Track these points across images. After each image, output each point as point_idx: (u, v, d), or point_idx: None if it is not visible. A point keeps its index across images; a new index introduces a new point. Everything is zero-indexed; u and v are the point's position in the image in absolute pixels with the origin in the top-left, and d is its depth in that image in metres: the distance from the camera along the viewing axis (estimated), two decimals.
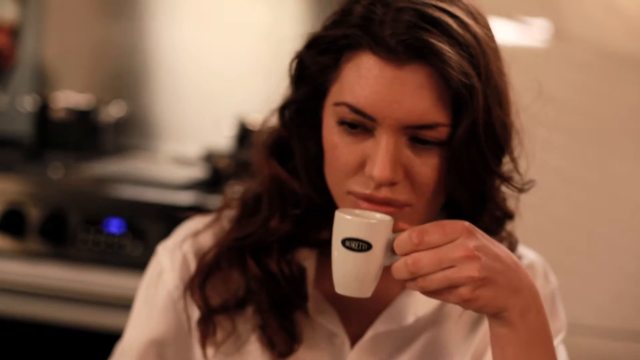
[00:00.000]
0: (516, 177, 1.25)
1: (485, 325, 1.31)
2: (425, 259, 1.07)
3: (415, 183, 1.16)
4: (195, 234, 1.36)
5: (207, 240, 1.36)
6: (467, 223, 1.10)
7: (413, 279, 1.08)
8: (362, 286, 1.13)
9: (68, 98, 3.37)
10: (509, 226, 1.35)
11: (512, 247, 1.34)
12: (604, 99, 2.58)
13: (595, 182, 2.58)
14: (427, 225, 1.09)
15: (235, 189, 1.39)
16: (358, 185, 1.17)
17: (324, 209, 1.25)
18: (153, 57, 3.49)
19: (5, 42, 3.51)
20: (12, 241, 2.77)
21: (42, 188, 2.82)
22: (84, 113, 3.31)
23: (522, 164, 1.26)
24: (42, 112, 3.33)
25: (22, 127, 3.47)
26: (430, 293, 1.10)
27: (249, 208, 1.33)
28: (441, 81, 1.11)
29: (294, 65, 1.24)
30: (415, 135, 1.14)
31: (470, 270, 1.06)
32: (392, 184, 1.14)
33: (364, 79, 1.13)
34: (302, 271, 1.30)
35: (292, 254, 1.30)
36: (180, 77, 3.48)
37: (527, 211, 2.51)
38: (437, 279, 1.07)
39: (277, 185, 1.28)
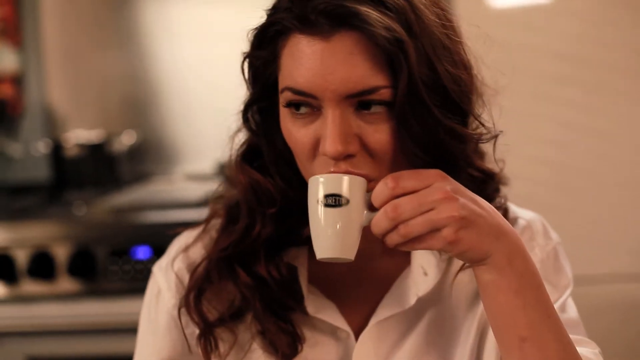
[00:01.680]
0: (484, 131, 1.23)
1: None
2: (404, 203, 1.06)
3: (373, 152, 1.14)
4: (186, 249, 1.36)
5: (197, 253, 1.36)
6: (440, 170, 1.10)
7: (395, 228, 1.07)
8: (344, 245, 1.11)
9: (79, 136, 3.39)
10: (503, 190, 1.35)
11: (503, 209, 1.33)
12: (612, 47, 2.56)
13: (611, 131, 2.56)
14: (402, 172, 1.09)
15: (220, 198, 1.38)
16: (320, 167, 1.17)
17: (301, 204, 1.24)
18: (157, 80, 3.50)
19: (10, 92, 3.54)
20: (43, 284, 2.79)
21: (65, 227, 2.84)
22: (97, 147, 3.33)
23: (498, 120, 1.25)
24: (56, 154, 3.36)
25: (39, 171, 3.50)
26: (413, 242, 1.08)
27: (232, 216, 1.32)
28: (370, 44, 1.11)
29: (244, 66, 1.25)
30: (360, 105, 1.14)
31: (450, 210, 1.06)
32: (348, 156, 1.14)
33: (297, 60, 1.14)
34: (293, 271, 1.30)
35: (280, 256, 1.30)
36: (186, 96, 3.49)
37: (551, 167, 2.50)
38: (419, 223, 1.06)
39: (253, 189, 1.28)
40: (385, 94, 1.12)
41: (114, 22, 3.49)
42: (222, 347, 1.30)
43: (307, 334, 1.29)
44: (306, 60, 1.13)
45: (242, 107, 1.27)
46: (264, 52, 1.20)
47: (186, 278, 1.33)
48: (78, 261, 2.76)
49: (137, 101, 3.52)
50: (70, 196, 3.21)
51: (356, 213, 1.11)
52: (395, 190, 1.08)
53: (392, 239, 1.09)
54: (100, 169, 3.33)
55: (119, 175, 3.34)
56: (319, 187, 1.11)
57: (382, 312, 1.29)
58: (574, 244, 2.55)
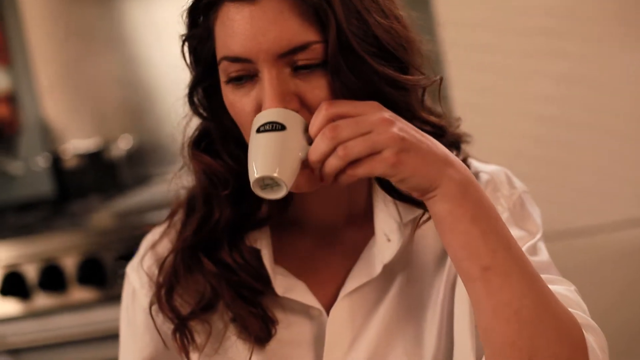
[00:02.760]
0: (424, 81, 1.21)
1: None
2: (342, 124, 1.05)
3: (314, 110, 1.14)
4: (153, 246, 1.36)
5: (164, 248, 1.35)
6: (377, 102, 1.10)
7: (333, 152, 1.06)
8: (281, 165, 1.08)
9: (77, 146, 3.41)
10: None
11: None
12: None
13: (607, 82, 2.55)
14: (338, 100, 1.10)
15: (182, 191, 1.37)
16: None
17: None
18: (149, 83, 3.51)
19: (4, 111, 3.55)
20: (55, 296, 2.80)
21: (72, 238, 2.85)
22: (95, 155, 3.34)
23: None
24: (56, 166, 3.38)
25: (41, 186, 3.52)
26: (354, 167, 1.06)
27: (192, 206, 1.32)
28: (298, 1, 1.12)
29: (184, 50, 1.25)
30: (295, 64, 1.14)
31: (389, 131, 1.04)
32: None
33: (229, 28, 1.15)
34: (257, 254, 1.29)
35: (243, 240, 1.29)
36: (180, 96, 3.48)
37: (548, 120, 2.50)
38: (358, 144, 1.04)
39: (205, 174, 1.28)
40: (317, 49, 1.13)
41: (102, 29, 3.49)
42: (199, 339, 1.29)
43: (280, 315, 1.28)
44: (237, 26, 1.14)
45: (186, 91, 1.27)
46: (199, 29, 1.21)
47: (156, 275, 1.32)
48: (87, 270, 2.77)
49: (132, 105, 3.53)
50: (74, 206, 3.22)
51: (293, 139, 1.09)
52: (330, 112, 1.07)
53: (331, 164, 1.07)
54: (101, 176, 3.34)
55: (120, 181, 3.35)
56: (257, 119, 1.11)
57: (351, 284, 1.28)
58: (578, 196, 2.56)
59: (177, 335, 1.28)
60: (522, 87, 2.59)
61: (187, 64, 1.26)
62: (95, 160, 3.34)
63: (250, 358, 1.26)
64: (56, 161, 3.39)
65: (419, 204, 1.21)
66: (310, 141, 1.10)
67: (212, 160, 1.27)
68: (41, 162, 3.47)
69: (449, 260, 1.28)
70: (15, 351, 2.88)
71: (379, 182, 1.24)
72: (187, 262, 1.29)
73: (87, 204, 3.18)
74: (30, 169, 3.54)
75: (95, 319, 2.75)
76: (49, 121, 3.58)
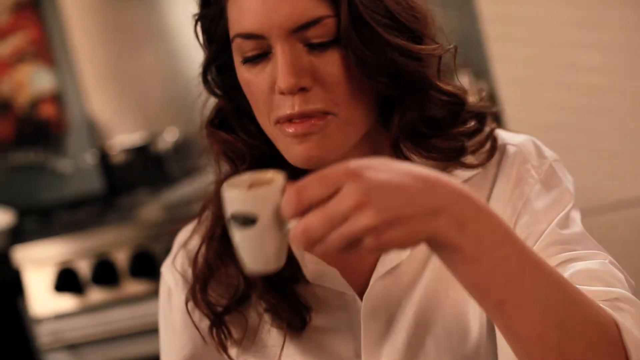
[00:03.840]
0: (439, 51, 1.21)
1: None
2: (314, 221, 0.94)
3: (327, 86, 1.15)
4: (185, 244, 1.36)
5: (196, 246, 1.33)
6: (351, 163, 0.95)
7: (312, 246, 0.96)
8: (267, 261, 1.01)
9: (124, 141, 3.43)
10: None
11: (492, 138, 1.27)
12: None
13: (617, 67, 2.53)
14: (306, 179, 0.95)
15: (210, 188, 1.36)
16: (278, 110, 1.17)
17: (274, 158, 1.24)
18: (191, 73, 3.51)
19: (51, 111, 3.59)
20: (109, 290, 2.83)
21: (122, 232, 2.88)
22: (142, 149, 3.36)
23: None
24: (104, 162, 3.41)
25: (90, 183, 3.55)
26: (341, 253, 0.98)
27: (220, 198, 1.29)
28: None
29: (197, 30, 1.26)
30: (308, 41, 1.15)
31: (364, 219, 0.92)
32: (302, 90, 1.15)
33: (242, 4, 1.16)
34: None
35: None
36: None
37: (590, 90, 2.48)
38: (334, 240, 0.93)
39: (224, 152, 1.27)
40: (329, 23, 1.14)
41: (143, 23, 3.51)
42: (235, 333, 1.28)
43: (314, 302, 1.26)
44: (249, 3, 1.15)
45: (200, 70, 1.27)
46: (211, 9, 1.22)
47: (189, 273, 1.32)
48: (139, 263, 2.80)
49: (176, 98, 3.54)
50: (124, 201, 3.25)
51: (269, 228, 0.99)
52: (302, 205, 0.95)
53: (314, 253, 1.01)
54: (148, 170, 3.36)
55: (168, 173, 3.36)
56: (227, 202, 1.00)
57: (382, 267, 1.25)
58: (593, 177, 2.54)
59: (214, 331, 1.28)
60: (564, 59, 2.57)
61: (200, 44, 1.27)
62: (142, 154, 3.36)
63: (283, 346, 1.26)
64: (104, 157, 3.42)
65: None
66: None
67: (228, 136, 1.27)
68: (89, 159, 3.51)
69: None
70: (72, 346, 2.91)
71: (396, 155, 1.23)
72: (218, 253, 1.28)
73: (136, 198, 3.20)
74: (78, 167, 3.57)
75: (149, 311, 2.77)
76: (95, 118, 3.61)
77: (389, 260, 1.25)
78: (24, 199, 3.57)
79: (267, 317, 1.27)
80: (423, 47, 1.18)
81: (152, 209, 2.97)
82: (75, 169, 3.58)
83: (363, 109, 1.20)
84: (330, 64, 1.15)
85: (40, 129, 3.62)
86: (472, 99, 1.29)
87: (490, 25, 2.65)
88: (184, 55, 3.50)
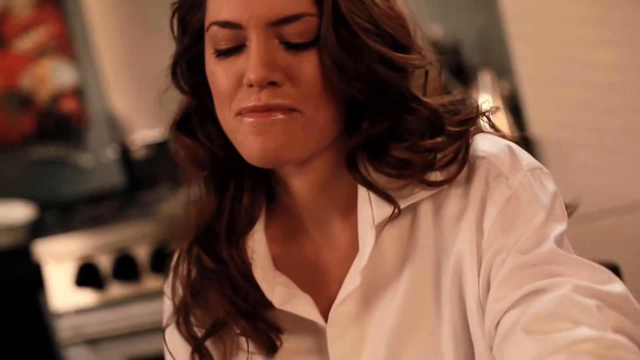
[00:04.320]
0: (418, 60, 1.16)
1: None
2: None
3: (299, 85, 1.11)
4: (175, 267, 1.29)
5: (182, 270, 1.29)
6: None
7: None
8: None
9: (145, 136, 3.44)
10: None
11: (456, 150, 1.16)
12: None
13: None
14: None
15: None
16: (241, 101, 1.13)
17: (235, 168, 1.21)
18: None
19: (72, 105, 3.60)
20: (129, 285, 2.84)
21: (143, 227, 2.88)
22: (163, 144, 3.36)
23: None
24: (125, 157, 3.42)
25: (111, 178, 3.56)
26: None
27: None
28: None
29: (172, 20, 1.22)
30: (286, 39, 1.12)
31: None
32: (272, 84, 1.11)
33: None
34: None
35: (242, 239, 1.24)
36: None
37: (613, 88, 2.47)
38: None
39: (190, 158, 1.23)
40: (310, 22, 1.11)
41: (164, 18, 3.49)
42: (216, 357, 1.25)
43: (286, 324, 1.22)
44: None
45: (170, 62, 1.23)
46: None
47: (176, 297, 1.28)
48: (160, 259, 2.80)
49: None
50: (145, 196, 3.25)
51: None
52: None
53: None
54: (169, 165, 3.35)
55: None
56: None
57: (341, 294, 1.19)
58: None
59: (196, 357, 1.25)
60: (587, 57, 2.56)
61: (173, 35, 1.22)
62: (164, 149, 3.37)
63: None
64: (125, 152, 3.43)
65: (390, 199, 1.15)
66: None
67: (190, 141, 1.22)
68: (110, 153, 3.52)
69: (452, 259, 1.15)
70: (92, 341, 2.92)
71: (349, 165, 1.17)
72: (197, 278, 1.25)
73: (157, 194, 3.21)
74: (99, 161, 3.58)
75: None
76: (116, 113, 3.62)
77: (348, 286, 1.19)
78: (44, 193, 3.57)
79: (241, 342, 1.24)
80: (401, 55, 1.14)
81: (173, 204, 2.97)
82: (96, 163, 3.59)
83: (331, 113, 1.15)
84: (306, 62, 1.11)
85: (61, 124, 3.63)
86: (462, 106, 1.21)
87: (514, 24, 2.65)
88: None
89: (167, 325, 1.27)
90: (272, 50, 1.11)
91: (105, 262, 2.88)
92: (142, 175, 3.41)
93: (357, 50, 1.11)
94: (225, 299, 1.22)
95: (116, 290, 2.88)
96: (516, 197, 1.12)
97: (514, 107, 2.85)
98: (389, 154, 1.15)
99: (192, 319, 1.25)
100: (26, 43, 3.62)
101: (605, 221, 2.58)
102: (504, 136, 1.22)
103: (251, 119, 1.12)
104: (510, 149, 1.17)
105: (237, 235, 1.23)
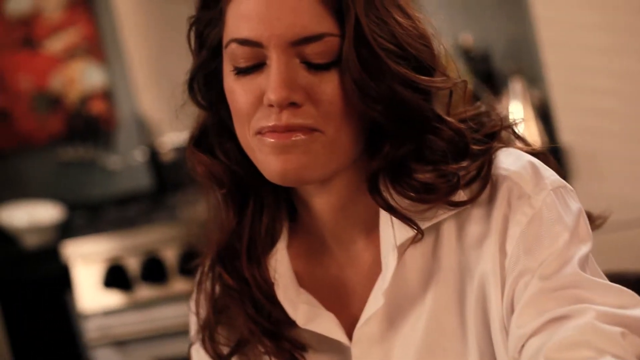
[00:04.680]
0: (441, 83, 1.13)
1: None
2: None
3: (320, 104, 1.09)
4: (199, 283, 1.28)
5: (208, 286, 1.28)
6: None
7: None
8: None
9: (173, 139, 3.44)
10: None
11: (478, 169, 1.14)
12: None
13: None
14: None
15: None
16: (261, 120, 1.11)
17: (254, 186, 1.20)
18: None
19: (102, 107, 3.61)
20: (157, 288, 2.84)
21: (172, 230, 2.89)
22: None
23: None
24: (154, 160, 3.43)
25: (139, 180, 3.57)
26: None
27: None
28: None
29: (190, 34, 1.20)
30: (307, 59, 1.09)
31: None
32: (292, 104, 1.08)
33: (244, 9, 1.10)
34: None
35: (266, 257, 1.23)
36: None
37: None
38: None
39: (207, 177, 1.22)
40: (332, 42, 1.08)
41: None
42: None
43: (311, 341, 1.21)
44: (252, 8, 1.09)
45: (187, 77, 1.20)
46: (210, 11, 1.16)
47: (201, 314, 1.27)
48: (188, 261, 2.80)
49: None
50: (173, 199, 3.26)
51: None
52: None
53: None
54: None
55: None
56: None
57: (365, 314, 1.18)
58: None
59: None
60: (619, 65, 2.55)
61: (190, 49, 1.20)
62: None
63: None
64: (153, 155, 3.44)
65: (411, 222, 1.12)
66: None
67: (207, 158, 1.20)
68: (138, 156, 3.53)
69: (476, 280, 1.14)
70: (119, 343, 2.93)
71: (371, 188, 1.15)
72: (221, 295, 1.24)
73: (185, 196, 3.21)
74: (128, 164, 3.59)
75: None
76: (144, 115, 3.63)
77: (371, 307, 1.18)
78: (73, 194, 3.59)
79: (266, 359, 1.23)
80: (427, 78, 1.11)
81: (201, 207, 2.97)
82: (125, 165, 3.60)
83: (352, 134, 1.12)
84: (327, 83, 1.09)
85: (90, 125, 3.65)
86: (486, 118, 1.19)
87: (545, 31, 2.64)
88: None
89: (193, 343, 1.27)
90: (293, 70, 1.09)
91: (133, 264, 2.89)
92: (170, 177, 3.41)
93: (379, 72, 1.08)
94: (248, 318, 1.21)
95: (144, 292, 2.89)
96: (539, 217, 1.10)
97: (545, 115, 2.85)
98: (412, 177, 1.12)
99: (217, 337, 1.24)
100: (56, 44, 3.64)
101: (636, 230, 2.57)
102: (529, 147, 1.20)
103: (272, 140, 1.10)
104: (533, 166, 1.14)
105: (259, 254, 1.22)
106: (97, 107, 3.64)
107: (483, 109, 1.20)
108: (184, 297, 2.82)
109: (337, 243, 1.21)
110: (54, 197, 3.49)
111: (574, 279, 1.06)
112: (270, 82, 1.08)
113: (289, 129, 1.09)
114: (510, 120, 1.20)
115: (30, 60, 3.64)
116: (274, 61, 1.09)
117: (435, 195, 1.11)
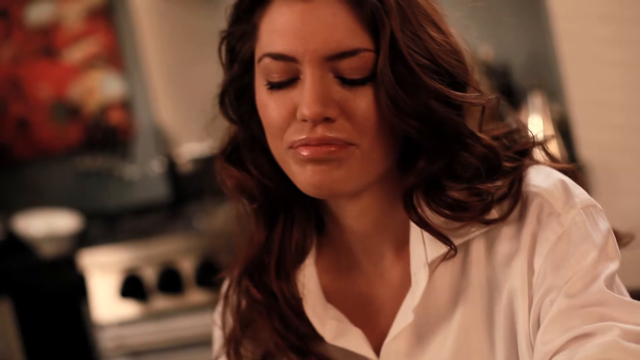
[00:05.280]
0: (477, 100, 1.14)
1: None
2: None
3: (354, 119, 1.09)
4: (226, 297, 1.29)
5: (234, 299, 1.28)
6: None
7: None
8: None
9: (191, 149, 3.44)
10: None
11: (509, 187, 1.15)
12: None
13: None
14: None
15: None
16: (294, 134, 1.11)
17: (286, 197, 1.20)
18: None
19: (120, 117, 3.62)
20: (173, 298, 2.84)
21: (189, 241, 2.89)
22: (210, 159, 3.36)
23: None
24: (171, 171, 3.43)
25: (157, 190, 3.57)
26: None
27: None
28: (354, 6, 1.08)
29: (221, 48, 1.20)
30: (341, 74, 1.09)
31: None
32: (326, 119, 1.08)
33: (278, 24, 1.10)
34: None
35: (294, 272, 1.23)
36: None
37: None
38: None
39: (238, 191, 1.22)
40: (366, 57, 1.08)
41: (213, 33, 3.51)
42: None
43: (337, 357, 1.22)
44: (287, 23, 1.09)
45: (218, 91, 1.21)
46: (242, 25, 1.16)
47: (227, 327, 1.27)
48: (204, 272, 2.80)
49: None
50: (190, 210, 3.26)
51: None
52: None
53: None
54: (215, 179, 3.36)
55: None
56: None
57: (393, 330, 1.18)
58: None
59: None
60: (637, 80, 2.54)
61: (221, 63, 1.20)
62: (210, 163, 3.35)
63: None
64: (171, 165, 3.44)
65: (445, 239, 1.13)
66: None
67: (238, 172, 1.21)
68: (156, 166, 3.53)
69: (504, 297, 1.14)
70: (134, 353, 2.93)
71: (405, 204, 1.15)
72: (248, 308, 1.24)
73: (202, 207, 3.21)
74: (145, 174, 3.60)
75: (209, 321, 2.77)
76: (163, 126, 3.63)
77: (400, 323, 1.18)
78: (90, 204, 3.60)
79: None
80: (461, 94, 1.11)
81: (218, 219, 2.97)
82: (142, 176, 3.61)
83: (386, 148, 1.12)
84: (361, 98, 1.09)
85: (108, 135, 3.65)
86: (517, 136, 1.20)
87: (565, 46, 2.63)
88: None
89: (218, 357, 1.27)
90: (327, 85, 1.09)
91: (149, 275, 2.89)
92: (188, 188, 3.41)
93: (414, 87, 1.08)
94: (274, 333, 1.21)
95: (160, 302, 2.88)
96: (568, 235, 1.10)
97: (564, 130, 2.83)
98: (446, 194, 1.13)
99: (242, 351, 1.24)
100: (76, 54, 3.64)
101: None
102: (559, 164, 1.20)
103: (305, 153, 1.10)
104: (563, 184, 1.14)
105: (287, 268, 1.22)
106: (116, 117, 3.64)
107: (514, 126, 1.20)
108: (200, 308, 2.82)
109: (366, 258, 1.22)
110: (72, 207, 3.49)
111: (600, 296, 1.06)
112: (304, 98, 1.08)
113: (323, 142, 1.09)
114: (542, 138, 1.20)
115: (50, 69, 3.66)
116: (308, 76, 1.09)
117: (469, 213, 1.12)
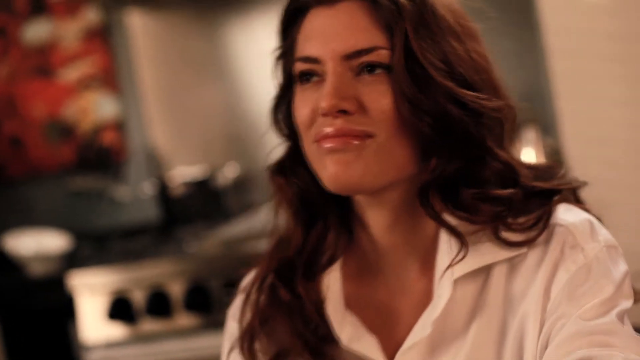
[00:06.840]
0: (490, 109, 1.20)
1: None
2: None
3: (371, 113, 1.17)
4: (244, 290, 1.33)
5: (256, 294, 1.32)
6: None
7: None
8: None
9: (184, 173, 3.45)
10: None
11: (546, 215, 1.20)
12: None
13: None
14: None
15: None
16: (317, 128, 1.20)
17: (324, 208, 1.27)
18: (254, 110, 3.52)
19: (114, 138, 3.62)
20: (161, 322, 2.83)
21: (179, 264, 2.88)
22: (202, 183, 3.38)
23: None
24: (163, 193, 3.43)
25: (148, 212, 3.57)
26: None
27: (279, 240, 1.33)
28: (373, 10, 1.18)
29: (275, 65, 1.29)
30: (359, 71, 1.18)
31: None
32: (344, 112, 1.17)
33: (308, 31, 1.22)
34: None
35: (321, 276, 1.28)
36: None
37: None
38: None
39: (278, 195, 1.30)
40: (383, 54, 1.18)
41: (208, 58, 3.53)
42: None
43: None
44: (315, 30, 1.21)
45: (271, 104, 1.30)
46: (286, 42, 1.27)
47: (243, 321, 1.31)
48: (193, 296, 2.80)
49: (238, 133, 3.55)
50: (181, 233, 3.26)
51: None
52: None
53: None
54: (207, 203, 3.37)
55: (226, 208, 3.37)
56: None
57: (409, 341, 1.22)
58: None
59: None
60: (634, 117, 2.55)
61: (278, 83, 1.29)
62: (201, 187, 3.37)
63: None
64: (162, 188, 3.44)
65: (460, 237, 1.18)
66: None
67: (282, 181, 1.28)
68: (148, 188, 3.52)
69: (518, 319, 1.17)
70: None
71: (422, 201, 1.20)
72: (267, 304, 1.28)
73: (193, 231, 3.21)
74: (136, 196, 3.59)
75: (200, 344, 2.77)
76: (156, 148, 3.63)
77: (417, 334, 1.21)
78: (80, 224, 3.59)
79: None
80: (472, 93, 1.18)
81: (209, 243, 2.97)
82: (133, 197, 3.60)
83: (403, 144, 1.19)
84: (378, 92, 1.18)
85: (101, 156, 3.65)
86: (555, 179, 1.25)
87: (560, 81, 2.64)
88: (247, 90, 3.52)
89: (232, 349, 1.31)
90: (345, 81, 1.18)
91: (138, 297, 2.88)
92: (178, 211, 3.41)
93: (427, 85, 1.16)
94: (293, 331, 1.26)
95: (148, 325, 2.87)
96: (588, 268, 1.15)
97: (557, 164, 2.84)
98: (460, 197, 1.18)
99: (257, 346, 1.29)
100: (71, 74, 3.65)
101: None
102: (587, 210, 1.24)
103: (327, 145, 1.18)
104: (590, 222, 1.19)
105: (315, 271, 1.28)
106: (109, 138, 3.64)
107: (547, 164, 1.29)
108: (188, 332, 2.82)
109: (390, 269, 1.27)
110: (62, 226, 3.48)
111: (609, 327, 1.09)
112: (323, 91, 1.18)
113: (343, 134, 1.17)
114: (579, 183, 1.26)
115: (45, 88, 3.66)
116: (328, 73, 1.18)
117: (482, 217, 1.18)
